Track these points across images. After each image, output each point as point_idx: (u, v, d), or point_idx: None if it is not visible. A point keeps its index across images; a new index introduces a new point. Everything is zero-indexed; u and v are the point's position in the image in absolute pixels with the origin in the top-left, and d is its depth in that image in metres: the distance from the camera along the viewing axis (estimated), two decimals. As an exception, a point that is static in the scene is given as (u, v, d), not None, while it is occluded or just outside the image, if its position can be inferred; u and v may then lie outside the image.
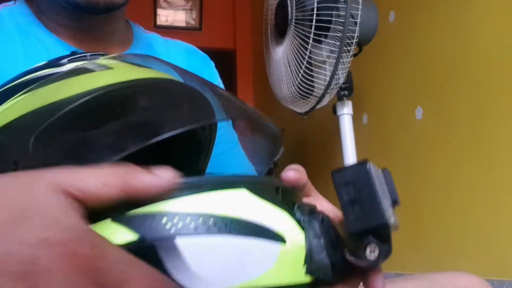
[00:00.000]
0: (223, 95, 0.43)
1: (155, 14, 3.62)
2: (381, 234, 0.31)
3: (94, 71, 0.38)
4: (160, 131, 0.34)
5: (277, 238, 0.30)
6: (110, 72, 0.38)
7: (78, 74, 0.38)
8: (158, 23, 3.58)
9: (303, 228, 0.31)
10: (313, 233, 0.31)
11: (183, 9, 3.70)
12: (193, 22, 3.68)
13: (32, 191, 0.25)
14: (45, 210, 0.25)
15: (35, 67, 0.42)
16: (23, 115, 0.35)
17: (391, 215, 0.32)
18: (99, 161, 0.31)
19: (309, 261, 0.30)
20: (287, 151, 3.13)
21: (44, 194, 0.25)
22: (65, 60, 0.42)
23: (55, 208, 0.25)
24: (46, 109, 0.34)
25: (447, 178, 1.78)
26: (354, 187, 0.32)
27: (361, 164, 0.32)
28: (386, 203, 0.32)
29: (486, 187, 1.60)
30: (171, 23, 3.61)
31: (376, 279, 0.33)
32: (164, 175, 0.28)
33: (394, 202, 0.34)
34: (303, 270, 0.30)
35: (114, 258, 0.25)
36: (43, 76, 0.39)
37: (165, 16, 3.66)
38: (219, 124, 0.49)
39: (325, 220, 0.32)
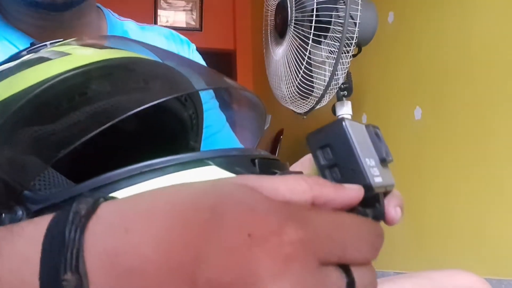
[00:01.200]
0: (202, 69, 0.41)
1: (155, 15, 3.63)
2: (367, 197, 0.28)
3: (50, 59, 0.35)
4: (121, 111, 0.32)
5: None
6: (67, 58, 0.35)
7: (31, 65, 0.35)
8: (159, 23, 3.59)
9: None
10: None
11: (184, 10, 3.70)
12: (193, 23, 3.69)
13: (216, 187, 0.24)
14: (239, 203, 0.22)
15: None
16: None
17: (375, 175, 0.28)
18: (57, 150, 0.30)
19: None
20: (287, 151, 3.13)
21: (233, 189, 0.23)
22: (24, 52, 0.40)
23: (248, 198, 0.22)
24: None
25: (447, 178, 1.78)
26: (331, 150, 0.28)
27: (337, 122, 0.29)
28: (369, 162, 0.29)
29: (485, 186, 1.61)
30: (172, 23, 3.62)
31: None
32: (354, 186, 0.27)
33: (383, 160, 0.31)
34: None
35: (330, 224, 0.22)
36: (0, 71, 0.37)
37: (165, 17, 3.67)
38: (207, 107, 0.47)
39: None
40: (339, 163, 0.28)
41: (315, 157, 0.29)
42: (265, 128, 0.46)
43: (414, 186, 1.90)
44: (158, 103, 0.34)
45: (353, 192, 0.26)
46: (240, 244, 0.21)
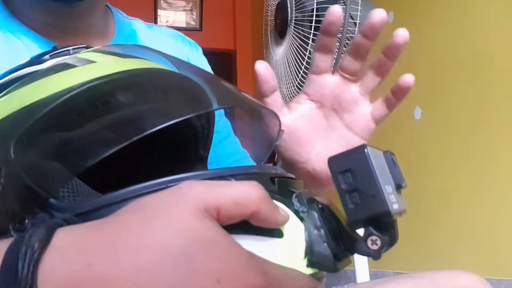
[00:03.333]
0: (219, 83, 0.42)
1: (155, 15, 3.63)
2: (383, 222, 0.30)
3: (75, 66, 0.35)
4: (149, 124, 0.33)
5: (273, 232, 0.29)
6: (91, 66, 0.35)
7: (57, 71, 0.35)
8: (159, 23, 3.59)
9: (301, 218, 0.30)
10: (312, 224, 0.30)
11: (184, 10, 3.70)
12: (193, 23, 3.69)
13: (181, 224, 0.25)
14: (203, 245, 0.24)
15: (17, 66, 0.40)
16: (1, 120, 0.33)
17: (393, 202, 0.30)
18: (86, 160, 0.30)
19: (310, 253, 0.29)
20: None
21: (194, 225, 0.25)
22: (47, 56, 0.40)
23: (213, 240, 0.25)
24: (24, 112, 0.32)
25: (446, 178, 1.78)
26: (352, 175, 0.30)
27: (359, 149, 0.30)
28: (387, 189, 0.30)
29: (485, 186, 1.61)
30: (172, 23, 3.62)
31: None
32: (284, 213, 0.29)
33: (399, 187, 0.32)
34: (304, 263, 0.29)
35: (281, 276, 0.27)
36: (24, 75, 0.37)
37: (165, 17, 3.67)
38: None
39: (325, 209, 0.31)
40: (359, 188, 0.30)
41: (336, 181, 0.30)
42: (277, 143, 0.47)
43: (414, 186, 1.90)
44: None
45: (283, 220, 0.29)
46: (211, 287, 0.24)
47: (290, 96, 1.79)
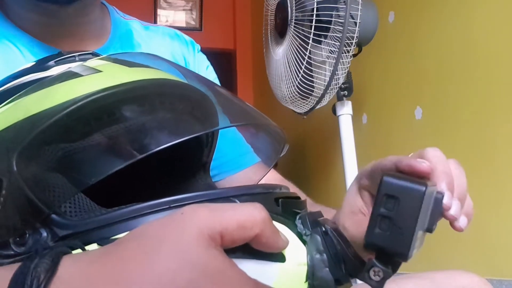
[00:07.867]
0: (225, 96, 0.41)
1: (155, 15, 3.63)
2: (395, 260, 0.29)
3: (81, 75, 0.35)
4: (155, 141, 0.33)
5: (275, 256, 0.28)
6: (98, 76, 0.35)
7: (63, 80, 0.34)
8: (158, 23, 3.59)
9: (304, 241, 0.30)
10: (315, 248, 0.30)
11: (183, 10, 3.70)
12: (193, 23, 3.69)
13: (187, 255, 0.24)
14: (210, 277, 0.24)
15: (21, 71, 0.39)
16: (5, 128, 0.32)
17: (414, 247, 0.29)
18: (90, 176, 0.30)
19: (311, 278, 0.29)
20: (287, 151, 3.12)
21: (200, 255, 0.25)
22: (52, 62, 0.39)
23: (220, 271, 0.25)
24: (29, 122, 0.31)
25: (447, 178, 1.78)
26: (396, 204, 0.29)
27: (419, 185, 0.29)
28: (418, 234, 0.29)
29: (485, 187, 1.61)
30: (171, 23, 3.62)
31: None
32: (285, 238, 0.29)
33: (428, 230, 0.32)
34: (305, 286, 0.29)
35: None
36: (29, 82, 0.37)
37: (165, 17, 3.67)
38: None
39: (328, 232, 0.31)
40: (395, 219, 0.29)
41: (378, 200, 0.29)
42: (281, 155, 0.48)
43: (415, 186, 1.90)
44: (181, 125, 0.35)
45: (284, 245, 0.29)
46: None
47: (290, 96, 1.78)
